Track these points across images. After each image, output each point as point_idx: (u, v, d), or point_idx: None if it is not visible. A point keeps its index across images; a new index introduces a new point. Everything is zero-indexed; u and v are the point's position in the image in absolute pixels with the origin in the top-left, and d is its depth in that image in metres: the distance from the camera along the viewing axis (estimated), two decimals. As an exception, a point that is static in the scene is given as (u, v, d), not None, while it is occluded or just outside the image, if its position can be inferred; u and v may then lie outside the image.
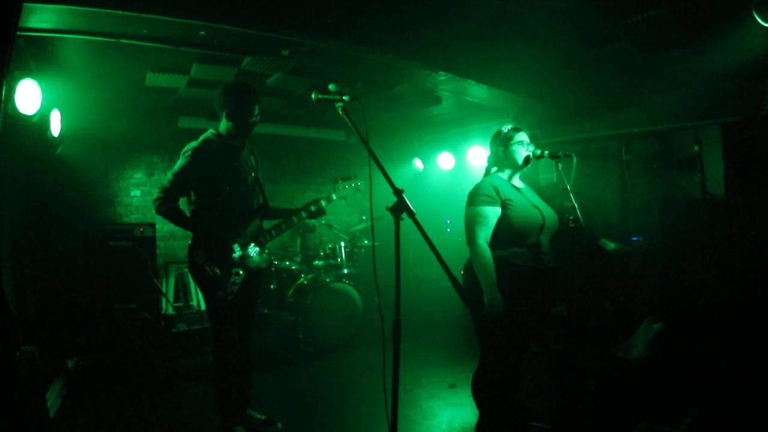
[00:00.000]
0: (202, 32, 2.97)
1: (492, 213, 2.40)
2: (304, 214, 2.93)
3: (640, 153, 4.95)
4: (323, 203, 2.99)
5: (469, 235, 2.43)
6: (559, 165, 2.54)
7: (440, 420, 3.06)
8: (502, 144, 2.57)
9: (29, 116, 3.02)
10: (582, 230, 2.46)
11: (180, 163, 2.61)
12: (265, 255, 2.85)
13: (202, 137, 2.71)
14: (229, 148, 2.73)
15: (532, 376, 3.54)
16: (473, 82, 4.15)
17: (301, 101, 4.90)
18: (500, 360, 2.48)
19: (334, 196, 3.02)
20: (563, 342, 2.74)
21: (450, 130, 6.49)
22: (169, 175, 2.62)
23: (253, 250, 2.76)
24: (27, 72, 3.00)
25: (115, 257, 4.13)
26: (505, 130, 2.60)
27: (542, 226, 2.45)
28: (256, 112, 2.70)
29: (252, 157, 2.90)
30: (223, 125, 2.72)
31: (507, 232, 2.38)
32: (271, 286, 4.98)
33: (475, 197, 2.45)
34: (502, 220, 2.40)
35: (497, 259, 2.40)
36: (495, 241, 2.38)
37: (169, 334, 4.34)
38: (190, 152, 2.61)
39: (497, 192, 2.42)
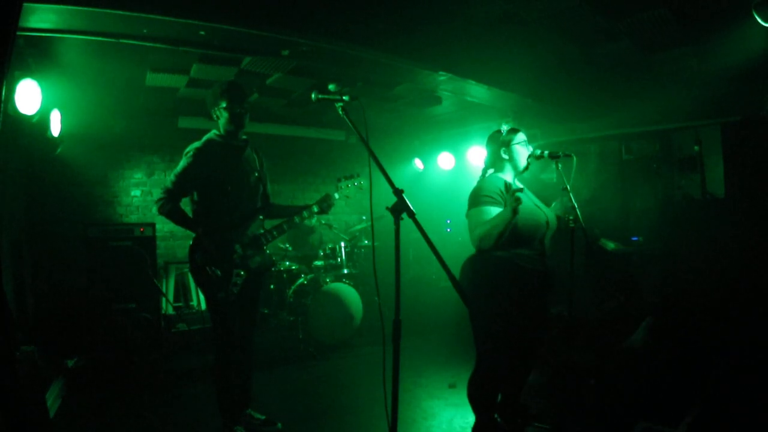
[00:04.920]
0: (202, 32, 2.97)
1: (495, 213, 2.38)
2: (315, 209, 2.88)
3: (640, 153, 4.95)
4: (336, 195, 2.96)
5: (471, 236, 2.41)
6: (559, 165, 2.53)
7: (440, 420, 3.06)
8: (503, 145, 2.56)
9: (29, 116, 3.02)
10: (582, 230, 2.46)
11: (182, 163, 2.62)
12: (267, 255, 2.85)
13: (204, 138, 2.73)
14: (231, 147, 2.74)
15: (532, 376, 3.54)
16: (473, 82, 4.15)
17: (301, 101, 4.90)
18: (497, 362, 2.48)
19: (336, 195, 2.98)
20: (563, 342, 2.74)
21: (450, 130, 6.49)
22: (172, 176, 2.63)
23: (254, 250, 2.76)
24: (27, 72, 3.00)
25: (115, 257, 4.13)
26: (504, 131, 2.59)
27: (547, 227, 2.45)
28: (245, 98, 2.73)
29: (256, 156, 2.91)
30: (222, 125, 2.74)
31: (511, 234, 2.36)
32: (271, 286, 4.98)
33: (478, 198, 2.42)
34: None
35: (498, 260, 2.38)
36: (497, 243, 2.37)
37: (169, 334, 4.34)
38: (192, 152, 2.63)
39: (502, 193, 2.40)
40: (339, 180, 3.04)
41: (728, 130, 3.76)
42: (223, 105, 2.68)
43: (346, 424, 3.08)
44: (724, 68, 3.66)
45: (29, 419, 2.13)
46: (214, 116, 2.74)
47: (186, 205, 2.74)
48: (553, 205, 2.64)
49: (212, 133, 2.75)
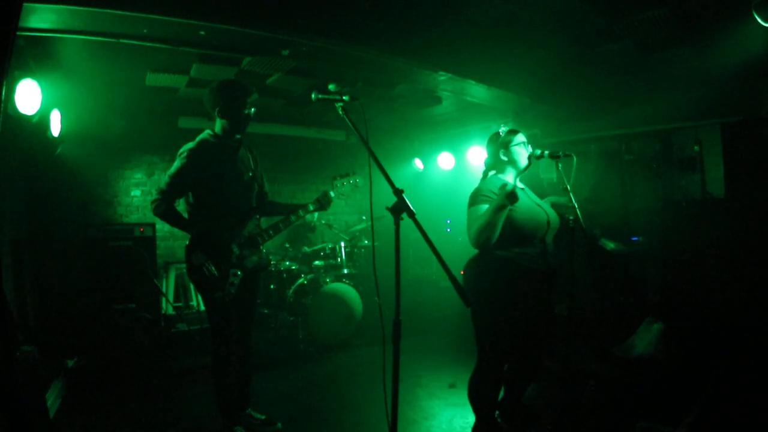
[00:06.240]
0: (202, 32, 2.98)
1: None
2: (311, 207, 2.90)
3: (640, 153, 4.95)
4: (332, 194, 2.97)
5: (469, 233, 2.42)
6: (559, 165, 2.53)
7: (440, 420, 3.06)
8: (502, 146, 2.56)
9: (29, 116, 3.02)
10: (582, 230, 2.46)
11: (176, 164, 2.62)
12: (263, 255, 2.85)
13: (198, 138, 2.72)
14: (226, 147, 2.73)
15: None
16: (473, 82, 4.15)
17: (301, 101, 4.90)
18: (500, 362, 2.48)
19: (332, 194, 2.98)
20: (563, 342, 2.74)
21: (450, 130, 6.49)
22: (166, 177, 2.62)
23: (250, 250, 2.76)
24: (27, 72, 3.00)
25: (115, 257, 4.13)
26: (503, 132, 2.59)
27: (548, 225, 2.45)
28: (249, 103, 2.69)
29: (250, 155, 2.90)
30: (218, 124, 2.72)
31: (511, 233, 2.36)
32: (271, 286, 4.98)
33: (477, 197, 2.43)
34: (506, 222, 2.38)
35: (500, 260, 2.38)
36: (498, 243, 2.37)
37: (169, 334, 4.34)
38: (185, 153, 2.62)
39: None
40: (334, 178, 3.04)
41: (728, 130, 3.75)
42: (231, 104, 2.64)
43: (346, 424, 3.08)
44: (724, 68, 3.66)
45: (29, 419, 2.13)
46: (215, 114, 2.69)
47: (182, 205, 2.73)
48: (546, 199, 2.65)
49: (206, 133, 2.74)
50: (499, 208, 2.23)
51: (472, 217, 2.41)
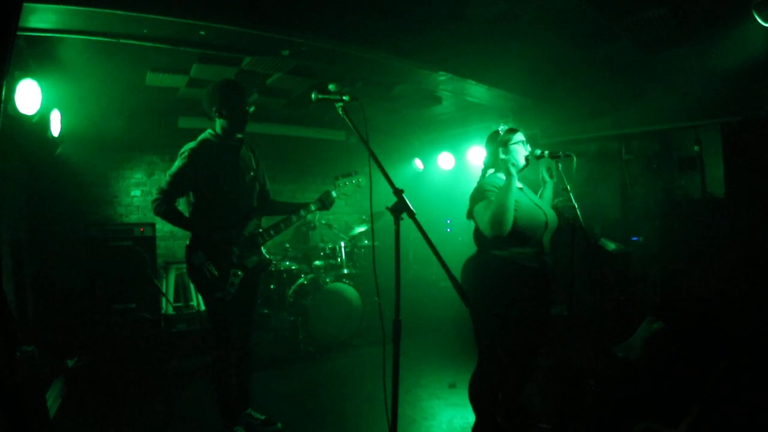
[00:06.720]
0: (202, 32, 2.98)
1: None
2: (312, 207, 2.91)
3: (640, 153, 4.95)
4: (334, 194, 2.97)
5: (482, 224, 2.38)
6: (559, 165, 2.53)
7: (440, 420, 3.06)
8: (501, 145, 2.56)
9: (29, 116, 3.02)
10: (582, 230, 2.46)
11: (177, 164, 2.61)
12: (263, 255, 2.85)
13: (199, 138, 2.72)
14: (227, 147, 2.73)
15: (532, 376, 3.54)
16: (473, 82, 4.15)
17: (301, 101, 4.90)
18: (498, 362, 2.47)
19: (333, 193, 2.99)
20: (563, 342, 2.74)
21: (450, 130, 6.49)
22: (167, 177, 2.62)
23: (251, 250, 2.76)
24: (27, 72, 2.99)
25: (115, 257, 4.13)
26: (502, 131, 2.59)
27: (546, 226, 2.44)
28: (248, 101, 2.69)
29: (252, 155, 2.90)
30: (218, 124, 2.72)
31: (510, 233, 2.36)
32: (271, 286, 4.98)
33: (482, 192, 2.41)
34: None
35: (498, 260, 2.38)
36: (496, 242, 2.37)
37: (169, 334, 4.34)
38: (187, 153, 2.62)
39: None
40: (336, 178, 3.05)
41: (728, 130, 3.75)
42: (229, 103, 2.64)
43: (346, 423, 3.08)
44: (724, 68, 3.66)
45: (29, 419, 2.13)
46: (214, 115, 2.69)
47: (183, 205, 2.73)
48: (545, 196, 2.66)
49: (207, 133, 2.74)
50: (506, 185, 2.27)
51: (481, 209, 2.38)
